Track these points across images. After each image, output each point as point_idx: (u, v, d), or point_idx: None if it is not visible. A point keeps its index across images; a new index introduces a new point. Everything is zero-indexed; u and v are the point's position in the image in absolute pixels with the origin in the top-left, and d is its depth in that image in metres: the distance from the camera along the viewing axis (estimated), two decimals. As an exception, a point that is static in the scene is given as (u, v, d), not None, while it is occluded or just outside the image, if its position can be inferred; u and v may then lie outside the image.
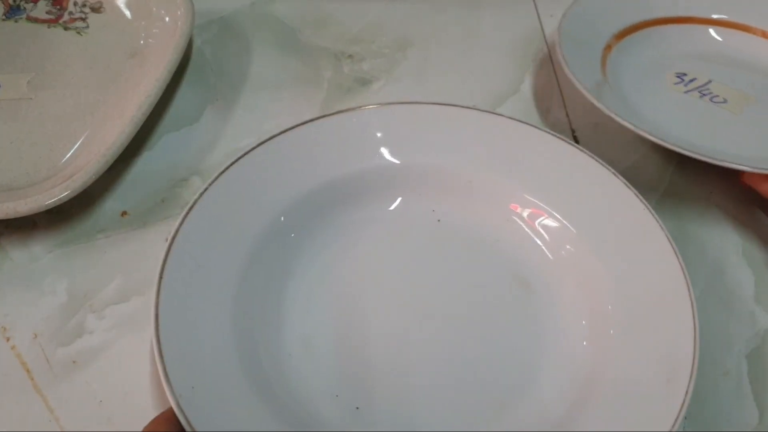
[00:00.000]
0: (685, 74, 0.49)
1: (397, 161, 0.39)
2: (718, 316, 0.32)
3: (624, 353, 0.32)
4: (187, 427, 0.27)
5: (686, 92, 0.47)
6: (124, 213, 0.40)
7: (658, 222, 0.35)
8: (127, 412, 0.32)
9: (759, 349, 0.36)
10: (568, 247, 0.37)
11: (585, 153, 0.38)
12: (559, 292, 0.36)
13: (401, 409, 0.32)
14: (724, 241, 0.40)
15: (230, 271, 0.34)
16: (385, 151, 0.39)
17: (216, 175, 0.36)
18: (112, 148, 0.38)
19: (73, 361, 0.34)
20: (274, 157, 0.38)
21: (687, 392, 0.29)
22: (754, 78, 0.49)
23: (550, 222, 0.38)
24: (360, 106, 0.40)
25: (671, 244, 0.34)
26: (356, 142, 0.39)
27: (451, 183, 0.39)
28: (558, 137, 0.39)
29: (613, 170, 0.37)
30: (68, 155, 0.41)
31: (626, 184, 0.37)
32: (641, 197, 0.36)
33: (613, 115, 0.38)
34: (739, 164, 0.37)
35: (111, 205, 0.41)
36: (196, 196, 0.35)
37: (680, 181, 0.42)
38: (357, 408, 0.32)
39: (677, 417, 0.29)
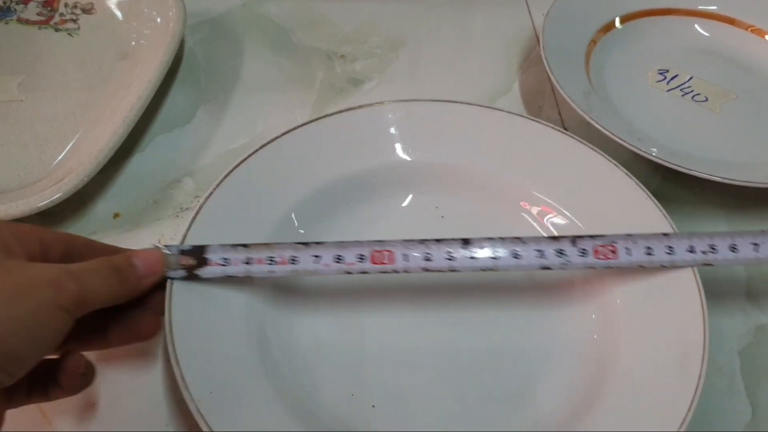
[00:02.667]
0: (667, 70, 0.49)
1: (408, 158, 0.40)
2: (710, 313, 0.32)
3: (635, 343, 0.33)
4: (205, 429, 0.27)
5: (668, 90, 0.48)
6: (116, 215, 0.40)
7: (662, 212, 0.36)
8: (122, 413, 0.32)
9: (751, 345, 0.36)
10: None
11: (588, 146, 0.38)
12: (568, 287, 0.36)
13: (417, 406, 0.32)
14: (716, 238, 0.40)
15: None
16: (398, 148, 0.40)
17: (227, 171, 0.36)
18: (104, 150, 0.38)
19: (66, 364, 0.34)
20: (287, 153, 0.38)
21: (701, 374, 0.30)
22: (738, 74, 0.50)
23: (558, 219, 0.38)
24: (374, 103, 0.40)
25: (675, 231, 0.35)
26: (370, 138, 0.39)
27: (462, 180, 0.39)
28: (563, 132, 0.39)
29: (615, 162, 0.38)
30: (60, 157, 0.41)
31: (629, 175, 0.37)
32: (644, 187, 0.37)
33: (604, 131, 0.39)
34: (711, 175, 0.38)
35: (103, 206, 0.40)
36: (206, 193, 0.35)
37: (672, 178, 0.42)
38: (373, 406, 0.32)
39: (693, 399, 0.29)
